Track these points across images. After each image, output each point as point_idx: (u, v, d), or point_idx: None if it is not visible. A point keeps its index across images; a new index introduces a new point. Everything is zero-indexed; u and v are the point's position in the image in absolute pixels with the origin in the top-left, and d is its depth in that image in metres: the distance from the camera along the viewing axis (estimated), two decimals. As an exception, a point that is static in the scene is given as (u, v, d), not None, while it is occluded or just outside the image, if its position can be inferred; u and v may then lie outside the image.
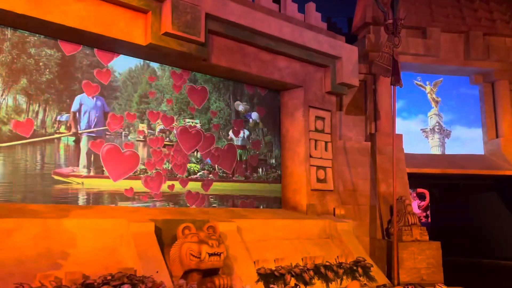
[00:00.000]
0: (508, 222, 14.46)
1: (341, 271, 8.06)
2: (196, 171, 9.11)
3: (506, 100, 14.02)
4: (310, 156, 10.25)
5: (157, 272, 6.05)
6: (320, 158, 10.46)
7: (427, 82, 14.62)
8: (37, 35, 7.22)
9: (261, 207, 10.08)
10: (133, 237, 6.34)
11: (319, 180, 10.34)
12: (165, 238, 6.82)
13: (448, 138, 14.49)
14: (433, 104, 14.55)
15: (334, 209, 10.31)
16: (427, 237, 10.23)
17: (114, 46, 7.79)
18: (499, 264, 14.16)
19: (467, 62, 13.98)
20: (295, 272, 7.44)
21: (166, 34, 7.58)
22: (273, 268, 7.30)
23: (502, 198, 14.80)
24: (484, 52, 13.81)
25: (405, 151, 12.65)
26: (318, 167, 10.39)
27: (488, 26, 14.01)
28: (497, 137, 14.09)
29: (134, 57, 8.28)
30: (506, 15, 14.26)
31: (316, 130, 10.45)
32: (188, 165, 8.98)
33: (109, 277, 5.55)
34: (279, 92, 10.65)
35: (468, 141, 14.51)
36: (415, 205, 24.29)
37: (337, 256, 8.50)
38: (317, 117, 10.44)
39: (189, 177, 8.96)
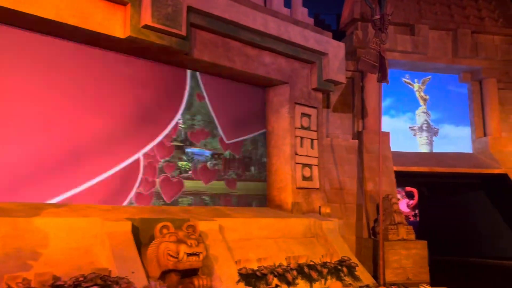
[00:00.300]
0: (495, 221, 14.42)
1: (325, 270, 7.89)
2: (187, 169, 8.92)
3: (494, 99, 13.96)
4: (296, 154, 10.07)
5: (132, 272, 5.83)
6: (306, 155, 10.29)
7: (415, 80, 14.52)
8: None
9: (253, 204, 9.93)
10: (108, 237, 6.11)
11: (304, 178, 10.17)
12: (142, 237, 6.59)
13: (436, 136, 14.41)
14: (421, 102, 14.46)
15: (319, 207, 10.14)
16: (414, 236, 10.11)
17: (91, 39, 7.53)
18: (486, 263, 14.12)
19: (455, 60, 13.91)
20: (278, 272, 7.26)
21: (146, 27, 7.34)
22: (255, 268, 7.10)
23: (489, 197, 14.77)
24: (473, 50, 13.74)
25: (393, 149, 12.53)
26: (304, 165, 10.22)
27: (477, 24, 13.94)
28: (485, 135, 14.04)
29: (113, 51, 8.01)
30: (495, 13, 14.20)
31: (302, 127, 10.27)
32: (179, 163, 8.80)
33: (81, 278, 5.31)
34: (265, 88, 10.45)
35: (456, 140, 14.45)
36: (404, 204, 24.26)
37: (322, 256, 8.32)
38: (303, 114, 10.27)
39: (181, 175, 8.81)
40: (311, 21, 10.67)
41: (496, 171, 13.24)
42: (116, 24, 7.33)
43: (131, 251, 6.13)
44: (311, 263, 7.87)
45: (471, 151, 14.25)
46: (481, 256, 14.52)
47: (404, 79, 14.41)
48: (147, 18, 7.27)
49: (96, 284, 5.19)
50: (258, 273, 6.98)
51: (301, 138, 10.25)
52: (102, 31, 7.21)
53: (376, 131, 11.40)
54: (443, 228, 16.25)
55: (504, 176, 13.14)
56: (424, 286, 7.12)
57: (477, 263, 14.29)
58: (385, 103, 13.83)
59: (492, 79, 14.07)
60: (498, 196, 14.37)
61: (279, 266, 7.45)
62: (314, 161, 10.43)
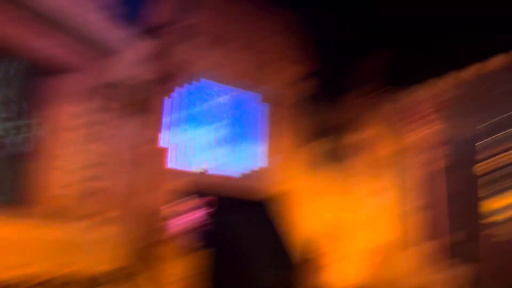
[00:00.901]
0: (255, 243, 15.27)
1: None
2: None
3: (281, 125, 15.01)
4: (74, 153, 9.18)
5: None
6: (87, 158, 9.44)
7: (217, 96, 14.74)
8: None
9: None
10: None
11: (82, 181, 9.31)
12: None
13: (222, 155, 14.66)
14: (217, 119, 14.67)
15: (96, 214, 9.35)
16: (187, 251, 10.15)
17: None
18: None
19: (256, 81, 14.56)
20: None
21: None
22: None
23: (257, 220, 15.63)
24: (272, 75, 14.61)
25: (179, 163, 12.49)
26: (84, 167, 9.37)
27: (276, 50, 14.90)
28: (269, 159, 14.91)
29: None
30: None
31: (86, 126, 9.43)
32: None
33: None
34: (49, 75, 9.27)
35: (244, 159, 14.97)
36: (187, 219, 24.40)
37: (87, 267, 7.63)
38: (86, 112, 9.45)
39: None
40: (113, 12, 9.91)
41: (264, 195, 14.13)
42: None
43: None
44: (73, 275, 7.08)
45: (256, 172, 14.96)
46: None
47: (205, 94, 14.50)
48: None
49: None
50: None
51: (85, 137, 9.39)
52: None
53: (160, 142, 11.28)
54: (220, 245, 16.64)
55: (265, 202, 14.16)
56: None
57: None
58: (183, 115, 13.66)
59: (282, 106, 15.15)
60: (259, 220, 15.31)
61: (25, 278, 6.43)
62: (97, 164, 9.61)
